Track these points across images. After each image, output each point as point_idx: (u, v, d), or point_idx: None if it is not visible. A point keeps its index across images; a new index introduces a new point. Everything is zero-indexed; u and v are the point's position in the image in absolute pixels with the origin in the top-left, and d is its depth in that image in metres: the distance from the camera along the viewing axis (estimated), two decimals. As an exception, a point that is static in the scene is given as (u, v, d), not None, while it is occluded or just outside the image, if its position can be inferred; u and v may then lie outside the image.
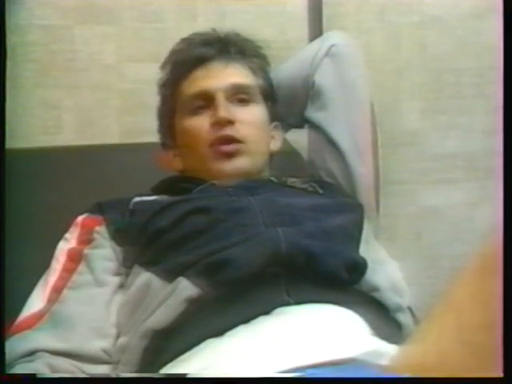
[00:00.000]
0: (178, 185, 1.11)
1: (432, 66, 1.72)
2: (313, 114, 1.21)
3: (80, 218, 1.05)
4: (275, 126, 1.19)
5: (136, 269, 0.98)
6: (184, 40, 1.18)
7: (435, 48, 1.72)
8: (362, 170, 1.17)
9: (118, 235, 1.01)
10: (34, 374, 0.85)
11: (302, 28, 1.64)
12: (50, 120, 1.55)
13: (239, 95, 1.12)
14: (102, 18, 1.57)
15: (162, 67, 1.18)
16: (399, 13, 1.71)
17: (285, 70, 1.24)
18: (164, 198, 1.07)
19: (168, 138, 1.17)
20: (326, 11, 1.65)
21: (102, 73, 1.57)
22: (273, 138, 1.18)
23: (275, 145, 1.18)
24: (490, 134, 1.61)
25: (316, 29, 1.64)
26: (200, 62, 1.14)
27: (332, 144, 1.18)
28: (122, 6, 1.58)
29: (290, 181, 1.12)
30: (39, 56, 1.54)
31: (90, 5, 1.56)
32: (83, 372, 0.90)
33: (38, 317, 0.94)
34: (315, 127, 1.21)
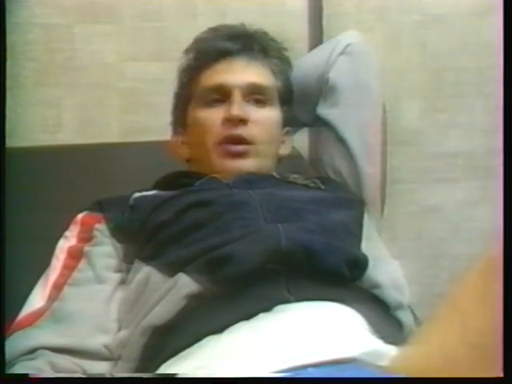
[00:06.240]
0: (180, 180, 1.10)
1: (432, 65, 1.73)
2: (324, 110, 1.20)
3: (80, 216, 1.05)
4: (287, 132, 1.19)
5: (136, 264, 0.97)
6: (211, 29, 1.17)
7: (435, 47, 1.73)
8: (370, 170, 1.17)
9: (119, 232, 1.01)
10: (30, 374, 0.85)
11: (302, 27, 1.64)
12: (49, 119, 1.56)
13: (256, 95, 1.12)
14: (102, 16, 1.57)
15: (186, 52, 1.17)
16: (399, 12, 1.72)
17: (299, 68, 1.23)
18: (164, 192, 1.06)
19: (179, 124, 1.17)
20: (326, 10, 1.65)
21: (102, 71, 1.57)
22: (283, 142, 1.18)
23: (284, 150, 1.18)
24: (490, 132, 1.61)
25: (316, 28, 1.65)
26: (223, 55, 1.13)
27: (341, 142, 1.17)
28: (122, 5, 1.59)
29: (292, 177, 1.12)
30: (39, 55, 1.54)
31: (89, 3, 1.56)
32: (84, 370, 0.90)
33: (39, 314, 0.94)
34: (325, 124, 1.20)
